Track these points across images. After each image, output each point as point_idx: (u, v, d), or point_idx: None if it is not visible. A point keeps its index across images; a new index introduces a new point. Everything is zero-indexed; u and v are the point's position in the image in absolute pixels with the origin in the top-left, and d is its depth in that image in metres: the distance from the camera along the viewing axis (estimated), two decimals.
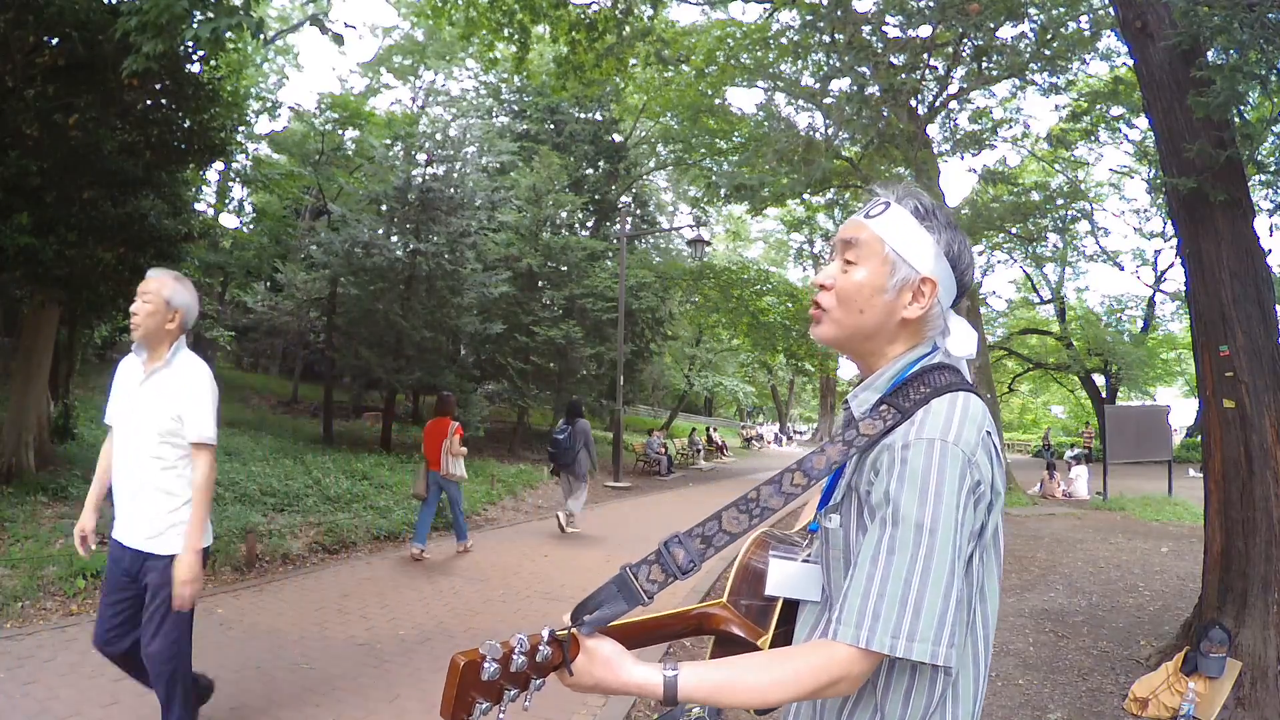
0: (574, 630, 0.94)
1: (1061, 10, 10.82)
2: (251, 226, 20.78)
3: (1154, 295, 25.58)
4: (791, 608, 1.14)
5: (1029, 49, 11.52)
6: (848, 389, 1.17)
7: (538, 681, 0.90)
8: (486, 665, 0.86)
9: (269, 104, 18.06)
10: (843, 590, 0.94)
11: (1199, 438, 6.68)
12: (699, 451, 22.52)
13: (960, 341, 1.05)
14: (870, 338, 1.05)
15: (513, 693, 0.89)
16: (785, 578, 1.09)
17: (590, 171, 20.51)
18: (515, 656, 0.87)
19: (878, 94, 11.31)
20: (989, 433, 0.97)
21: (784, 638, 1.14)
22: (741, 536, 0.98)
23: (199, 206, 16.47)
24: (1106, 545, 8.28)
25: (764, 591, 1.11)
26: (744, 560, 1.19)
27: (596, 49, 8.47)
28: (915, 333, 1.05)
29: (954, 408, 0.95)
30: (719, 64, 13.13)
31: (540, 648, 0.90)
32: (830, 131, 12.58)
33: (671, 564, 0.94)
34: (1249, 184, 4.42)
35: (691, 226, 20.28)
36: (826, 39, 10.96)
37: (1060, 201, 15.18)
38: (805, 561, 1.11)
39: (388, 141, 16.10)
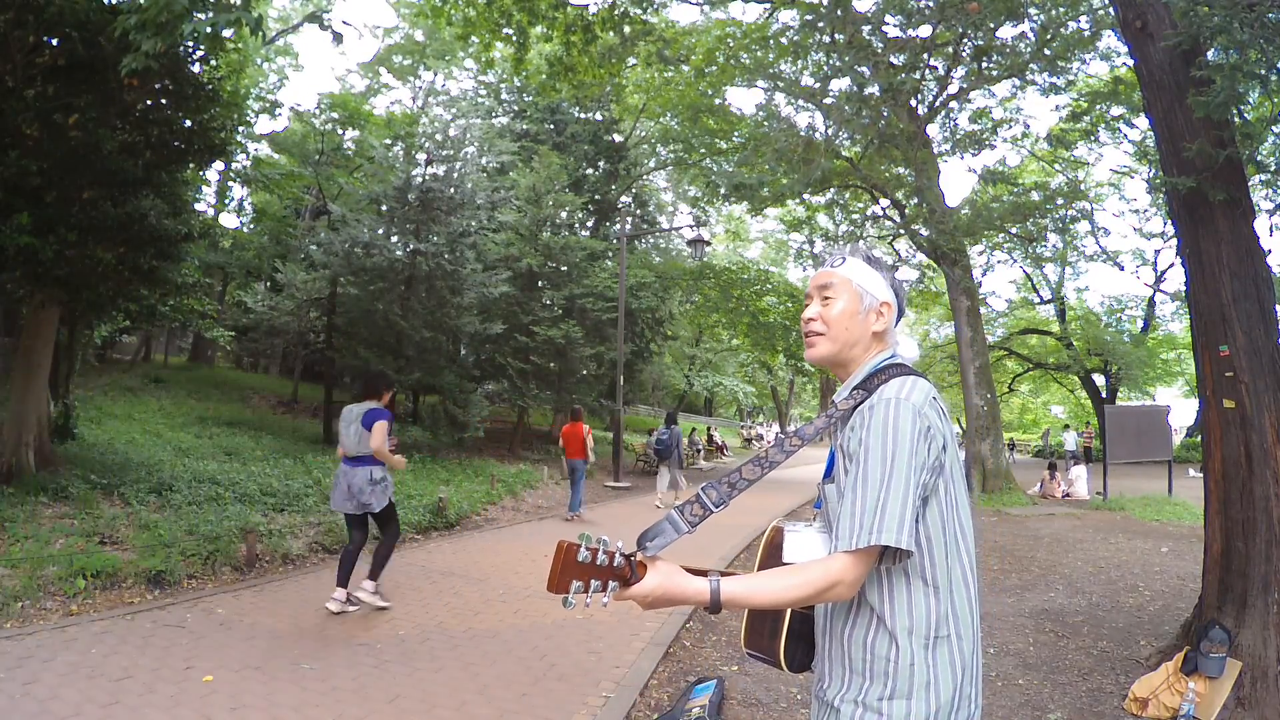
0: (640, 554, 1.22)
1: (1061, 10, 10.82)
2: (251, 226, 20.78)
3: (1154, 295, 25.55)
4: None
5: (1029, 49, 11.51)
6: None
7: (613, 584, 1.18)
8: (582, 551, 1.14)
9: (269, 104, 18.06)
10: (837, 519, 1.25)
11: (1199, 438, 6.68)
12: (699, 451, 22.52)
13: (908, 348, 1.57)
14: (853, 347, 1.43)
15: (596, 584, 1.16)
16: (798, 543, 1.38)
17: (590, 171, 20.49)
18: (600, 554, 1.16)
19: (878, 94, 11.31)
20: (935, 398, 1.33)
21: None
22: (756, 482, 1.31)
23: (199, 206, 16.49)
24: (1106, 545, 8.28)
25: (783, 559, 1.38)
26: (769, 537, 1.51)
27: (592, 51, 8.46)
28: (880, 341, 1.44)
29: (906, 382, 1.31)
30: (719, 64, 13.11)
31: (616, 557, 1.18)
32: (830, 131, 12.58)
33: (707, 501, 1.28)
34: (1249, 184, 4.41)
35: (691, 226, 20.27)
36: (826, 39, 10.95)
37: (1060, 201, 15.10)
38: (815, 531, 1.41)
39: (388, 141, 16.10)
